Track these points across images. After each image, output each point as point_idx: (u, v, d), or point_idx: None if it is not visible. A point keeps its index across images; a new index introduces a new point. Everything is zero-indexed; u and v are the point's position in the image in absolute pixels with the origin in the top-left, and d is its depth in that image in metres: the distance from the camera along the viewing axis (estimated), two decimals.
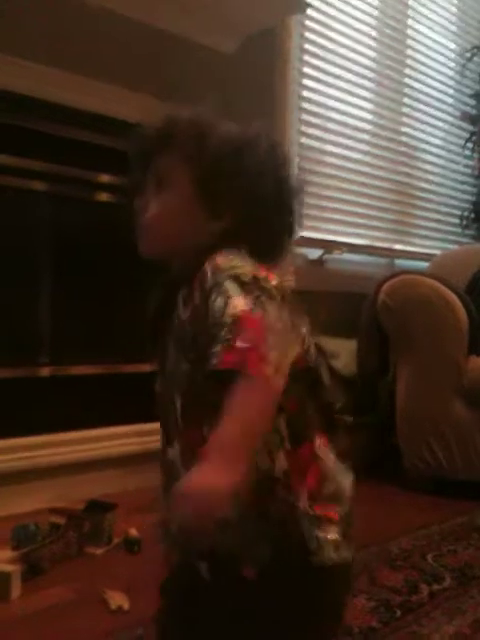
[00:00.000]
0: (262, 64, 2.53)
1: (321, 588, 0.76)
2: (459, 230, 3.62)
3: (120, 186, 2.05)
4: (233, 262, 0.75)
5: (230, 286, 0.71)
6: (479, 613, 1.34)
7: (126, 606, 1.31)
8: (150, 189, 0.85)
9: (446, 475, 2.26)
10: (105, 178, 2.14)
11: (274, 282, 0.75)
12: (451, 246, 3.49)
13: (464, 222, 3.62)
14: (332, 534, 0.75)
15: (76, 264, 2.10)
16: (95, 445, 2.04)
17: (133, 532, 1.65)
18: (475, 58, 3.61)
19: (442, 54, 3.51)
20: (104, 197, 2.17)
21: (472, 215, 3.65)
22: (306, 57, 2.78)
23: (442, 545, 1.73)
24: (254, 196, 0.83)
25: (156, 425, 2.36)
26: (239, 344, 0.66)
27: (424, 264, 3.11)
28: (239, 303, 0.69)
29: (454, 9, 3.57)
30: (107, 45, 2.07)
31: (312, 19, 2.78)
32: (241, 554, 0.72)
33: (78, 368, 2.11)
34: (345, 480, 0.80)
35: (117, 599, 1.33)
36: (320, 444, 0.78)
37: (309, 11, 2.61)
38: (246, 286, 0.71)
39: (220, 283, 0.72)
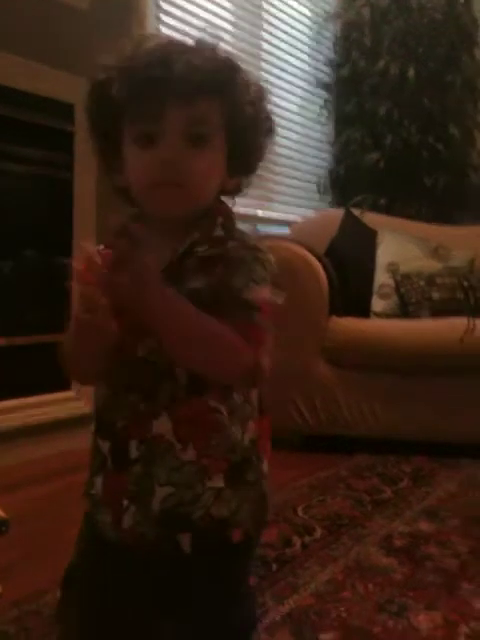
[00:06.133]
0: (118, 21, 2.43)
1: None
2: (316, 196, 3.73)
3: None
4: (256, 240, 0.77)
5: (259, 270, 0.74)
6: (350, 559, 1.42)
7: None
8: (176, 138, 0.71)
9: (312, 431, 2.36)
10: None
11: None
12: (309, 212, 3.59)
13: (321, 188, 3.73)
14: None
15: None
16: None
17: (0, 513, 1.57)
18: (329, 25, 3.70)
19: (297, 20, 3.55)
20: None
21: (328, 182, 3.77)
22: (163, 16, 2.71)
23: (311, 497, 1.81)
24: (265, 149, 0.79)
25: (10, 403, 2.23)
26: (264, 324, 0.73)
27: (285, 230, 3.18)
28: (263, 291, 0.74)
29: None
30: None
31: None
32: (230, 520, 0.75)
33: None
34: None
35: None
36: None
37: None
38: (271, 275, 0.75)
39: (247, 262, 0.73)
